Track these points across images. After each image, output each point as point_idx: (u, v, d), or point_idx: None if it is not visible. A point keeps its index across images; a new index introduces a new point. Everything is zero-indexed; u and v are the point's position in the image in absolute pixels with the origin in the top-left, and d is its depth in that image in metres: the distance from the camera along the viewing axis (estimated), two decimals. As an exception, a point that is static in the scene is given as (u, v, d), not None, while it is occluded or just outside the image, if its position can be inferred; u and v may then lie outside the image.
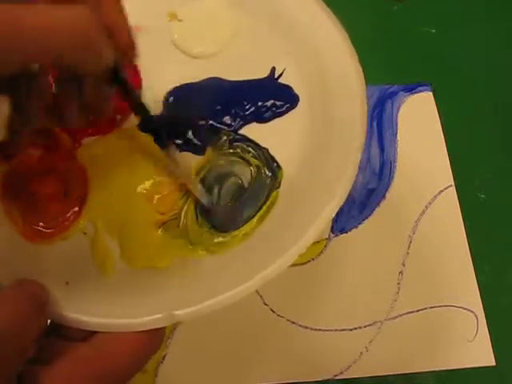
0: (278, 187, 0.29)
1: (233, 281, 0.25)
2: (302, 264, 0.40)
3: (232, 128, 0.31)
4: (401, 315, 0.40)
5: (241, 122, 0.31)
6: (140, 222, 0.29)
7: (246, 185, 0.30)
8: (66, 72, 0.25)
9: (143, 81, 0.31)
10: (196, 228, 0.29)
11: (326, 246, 0.41)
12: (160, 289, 0.26)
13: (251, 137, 0.31)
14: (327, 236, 0.41)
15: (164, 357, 0.37)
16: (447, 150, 0.45)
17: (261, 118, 0.31)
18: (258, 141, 0.31)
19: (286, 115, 0.31)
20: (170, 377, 0.37)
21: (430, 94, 0.47)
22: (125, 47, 0.25)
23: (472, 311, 0.40)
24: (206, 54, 0.33)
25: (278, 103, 0.31)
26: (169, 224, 0.29)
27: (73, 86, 0.25)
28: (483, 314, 0.40)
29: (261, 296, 0.39)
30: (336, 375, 0.38)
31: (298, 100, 0.31)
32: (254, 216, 0.29)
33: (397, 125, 0.45)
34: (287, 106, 0.31)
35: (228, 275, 0.26)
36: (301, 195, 0.28)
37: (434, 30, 0.50)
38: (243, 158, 0.30)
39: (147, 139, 0.30)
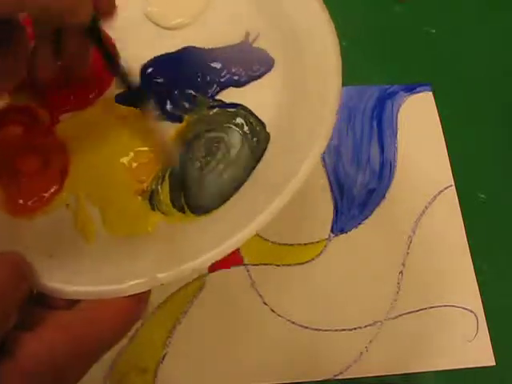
0: (264, 149, 0.29)
1: (214, 240, 0.25)
2: (302, 264, 0.40)
3: (209, 94, 0.31)
4: (401, 315, 0.40)
5: (217, 88, 0.31)
6: (120, 191, 0.29)
7: (232, 150, 0.30)
8: (46, 25, 0.26)
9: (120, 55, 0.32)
10: (169, 207, 0.29)
11: (325, 246, 0.41)
12: (143, 254, 0.27)
13: (229, 101, 0.31)
14: (327, 236, 0.41)
15: (164, 357, 0.37)
16: (447, 150, 0.45)
17: (237, 82, 0.32)
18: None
19: (263, 78, 0.32)
20: (170, 377, 0.37)
21: (430, 93, 0.47)
22: (106, 6, 0.27)
23: (472, 311, 0.40)
24: (180, 25, 0.33)
25: (253, 67, 0.32)
26: (147, 194, 0.29)
27: (51, 40, 0.27)
28: (483, 314, 0.40)
29: (261, 296, 0.39)
30: (336, 375, 0.38)
31: (273, 63, 0.31)
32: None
33: (397, 125, 0.45)
34: (263, 69, 0.31)
35: (210, 236, 0.26)
36: (281, 152, 0.29)
37: (434, 30, 0.50)
38: (222, 123, 0.31)
39: (124, 111, 0.31)
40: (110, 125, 0.31)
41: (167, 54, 0.32)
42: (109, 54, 0.29)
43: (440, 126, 0.45)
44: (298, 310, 0.39)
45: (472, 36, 0.50)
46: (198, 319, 0.38)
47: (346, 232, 0.42)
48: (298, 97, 0.30)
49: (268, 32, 0.32)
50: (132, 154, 0.30)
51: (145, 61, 0.32)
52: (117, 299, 0.25)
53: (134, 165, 0.30)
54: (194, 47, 0.32)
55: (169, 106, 0.31)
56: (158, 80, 0.32)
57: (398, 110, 0.46)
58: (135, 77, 0.31)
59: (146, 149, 0.30)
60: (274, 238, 0.41)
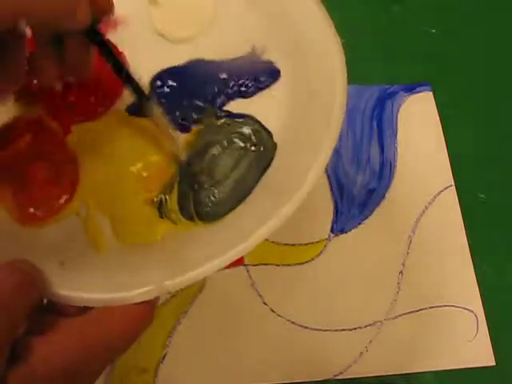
0: (272, 158, 0.30)
1: (222, 247, 0.26)
2: (302, 264, 0.40)
3: (217, 105, 0.32)
4: (401, 315, 0.40)
5: (225, 99, 0.32)
6: (130, 200, 0.30)
7: (240, 159, 0.30)
8: (45, 31, 0.26)
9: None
10: (178, 215, 0.30)
11: (325, 246, 0.41)
12: (152, 262, 0.27)
13: (237, 111, 0.32)
14: (327, 236, 0.41)
15: (164, 357, 0.37)
16: (447, 150, 0.45)
17: (244, 93, 0.32)
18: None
19: (269, 88, 0.32)
20: (170, 377, 0.37)
21: (430, 93, 0.47)
22: (103, 4, 0.26)
23: (472, 311, 0.40)
24: (188, 37, 0.34)
25: (260, 78, 0.32)
26: (156, 203, 0.30)
27: (53, 46, 0.27)
28: (483, 314, 0.40)
29: (261, 296, 0.39)
30: (336, 375, 0.38)
31: (280, 74, 0.32)
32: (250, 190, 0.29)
33: (397, 125, 0.45)
34: (269, 80, 0.32)
35: (218, 243, 0.27)
36: (288, 161, 0.29)
37: (434, 30, 0.50)
38: (230, 133, 0.31)
39: (134, 121, 0.31)
40: (121, 135, 0.31)
41: (176, 67, 0.33)
42: (115, 59, 0.29)
43: (440, 126, 0.45)
44: (297, 310, 0.39)
45: (472, 36, 0.50)
46: (198, 319, 0.38)
47: (346, 232, 0.42)
48: (304, 107, 0.30)
49: (275, 44, 0.33)
50: (142, 163, 0.31)
51: (154, 74, 0.32)
52: (127, 306, 0.25)
53: (144, 174, 0.30)
54: (202, 60, 0.33)
55: (178, 117, 0.32)
56: (167, 92, 0.32)
57: (398, 110, 0.46)
58: (144, 85, 0.31)
59: (155, 159, 0.31)
60: (273, 238, 0.41)
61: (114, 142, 0.31)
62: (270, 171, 0.30)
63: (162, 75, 0.33)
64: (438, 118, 0.46)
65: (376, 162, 0.44)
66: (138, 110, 0.31)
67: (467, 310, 0.40)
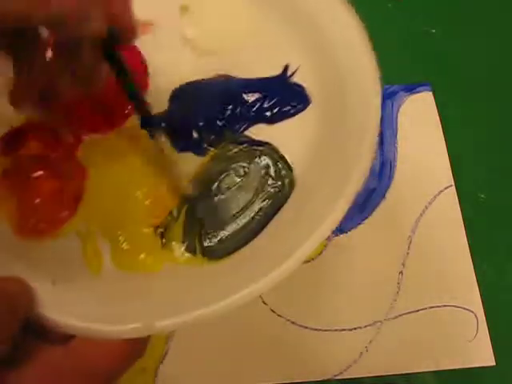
0: (288, 195, 0.27)
1: (221, 291, 0.24)
2: (302, 264, 0.40)
3: (237, 129, 0.30)
4: (401, 315, 0.40)
5: (247, 123, 0.30)
6: (133, 224, 0.28)
7: (254, 194, 0.28)
8: (60, 34, 0.25)
9: (151, 76, 0.31)
10: (180, 246, 0.28)
11: (325, 246, 0.41)
12: (147, 295, 0.26)
13: (258, 137, 0.29)
14: (327, 236, 0.41)
15: (164, 356, 0.37)
16: (447, 150, 0.45)
17: (268, 118, 0.30)
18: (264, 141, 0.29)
19: (296, 116, 0.30)
20: (170, 377, 0.37)
21: (430, 93, 0.47)
22: (124, 25, 0.25)
23: (472, 311, 0.40)
24: (218, 50, 0.31)
25: (288, 104, 0.30)
26: (159, 231, 0.28)
27: (68, 52, 0.26)
28: (483, 314, 0.40)
29: (261, 296, 0.39)
30: (336, 375, 0.38)
31: (310, 101, 0.29)
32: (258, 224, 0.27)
33: (397, 125, 0.45)
34: (297, 107, 0.29)
35: (218, 285, 0.25)
36: (309, 195, 0.27)
37: (433, 30, 0.50)
38: (247, 162, 0.29)
39: (148, 140, 0.29)
40: (132, 153, 0.30)
41: (200, 81, 0.30)
42: (124, 76, 0.27)
43: (440, 126, 0.45)
44: (297, 310, 0.39)
45: (472, 36, 0.50)
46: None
47: (346, 232, 0.42)
48: (331, 141, 0.28)
49: (309, 67, 0.30)
50: (150, 187, 0.29)
51: (177, 85, 0.30)
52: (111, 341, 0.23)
53: (151, 198, 0.29)
54: (229, 76, 0.30)
55: (194, 137, 0.29)
56: (188, 107, 0.30)
57: (398, 110, 0.46)
58: (149, 107, 0.29)
59: (164, 183, 0.29)
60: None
61: (125, 160, 0.29)
62: (285, 209, 0.27)
63: (184, 88, 0.30)
64: (438, 117, 0.46)
65: (376, 162, 0.44)
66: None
67: (467, 310, 0.40)
